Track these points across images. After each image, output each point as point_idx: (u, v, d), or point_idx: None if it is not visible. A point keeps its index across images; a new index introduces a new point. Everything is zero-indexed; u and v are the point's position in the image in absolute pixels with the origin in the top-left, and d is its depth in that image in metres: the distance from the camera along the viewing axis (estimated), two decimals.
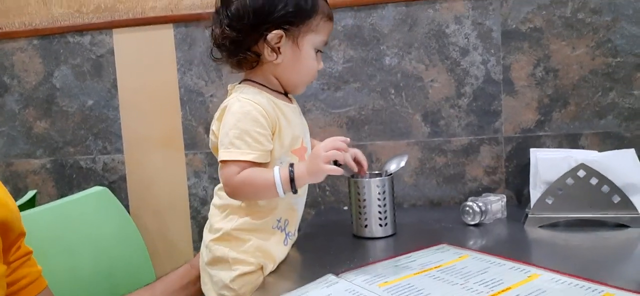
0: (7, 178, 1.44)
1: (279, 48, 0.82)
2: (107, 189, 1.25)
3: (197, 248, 1.40)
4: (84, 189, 1.39)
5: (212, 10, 1.33)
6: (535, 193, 1.02)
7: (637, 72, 1.18)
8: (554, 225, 0.99)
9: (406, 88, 1.27)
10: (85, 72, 1.39)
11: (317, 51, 0.87)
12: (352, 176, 0.99)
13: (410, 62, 1.26)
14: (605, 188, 0.95)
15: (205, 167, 1.37)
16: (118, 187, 1.41)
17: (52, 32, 1.38)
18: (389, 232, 0.99)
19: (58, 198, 1.42)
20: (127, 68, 1.38)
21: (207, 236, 0.88)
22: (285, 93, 0.91)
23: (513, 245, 0.94)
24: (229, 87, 0.91)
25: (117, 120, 1.40)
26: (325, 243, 1.00)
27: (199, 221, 1.39)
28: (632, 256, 0.87)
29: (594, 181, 0.96)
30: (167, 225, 1.41)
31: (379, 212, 0.98)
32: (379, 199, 0.98)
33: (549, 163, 1.01)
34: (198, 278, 0.91)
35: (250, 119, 0.79)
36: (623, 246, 0.89)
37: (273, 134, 0.83)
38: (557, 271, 0.71)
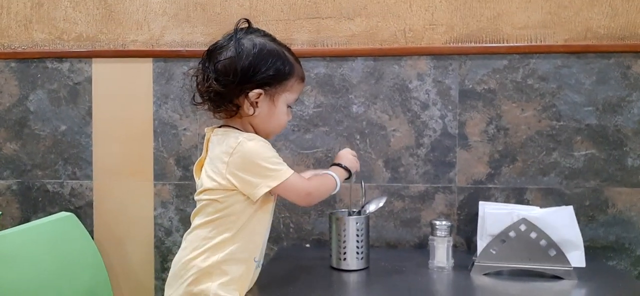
0: None
1: (257, 103, 0.93)
2: (73, 215, 1.27)
3: (159, 278, 1.42)
4: (49, 213, 1.41)
5: (192, 48, 1.41)
6: (481, 244, 1.11)
7: (577, 136, 1.30)
8: (497, 274, 1.07)
9: (370, 136, 1.35)
10: (61, 98, 1.42)
11: (289, 106, 0.99)
12: (331, 213, 1.16)
13: (375, 111, 1.35)
14: (543, 242, 1.05)
15: (172, 198, 1.40)
16: (84, 213, 1.42)
17: (31, 56, 1.41)
18: (364, 265, 1.12)
19: (22, 221, 1.43)
20: (104, 97, 1.42)
21: (185, 271, 0.92)
22: None
23: (460, 291, 1.02)
24: (207, 129, 0.99)
25: (88, 147, 1.42)
26: (300, 273, 1.11)
27: (162, 251, 1.42)
28: None
29: (533, 235, 1.05)
30: (130, 253, 1.43)
31: (357, 247, 1.11)
32: (357, 235, 1.11)
33: (494, 217, 1.10)
34: None
35: (269, 147, 0.94)
36: None
37: None
38: None
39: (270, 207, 0.97)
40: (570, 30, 1.29)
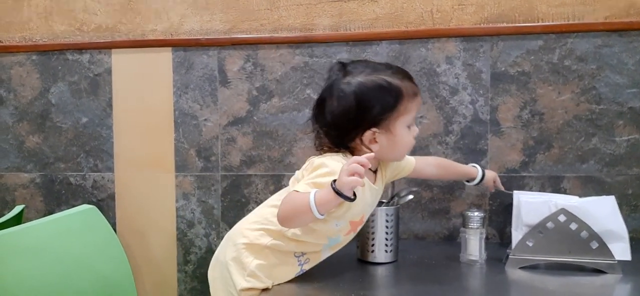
0: None
1: (375, 140, 0.91)
2: (95, 207, 1.26)
3: (181, 271, 1.40)
4: (72, 205, 1.41)
5: (211, 37, 1.38)
6: (516, 235, 1.04)
7: (619, 120, 1.21)
8: (533, 267, 1.01)
9: None
10: (82, 90, 1.41)
11: (411, 125, 0.94)
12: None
13: None
14: (584, 233, 0.98)
15: (194, 190, 1.38)
16: (106, 205, 1.42)
17: (52, 49, 1.40)
18: (392, 259, 1.07)
19: (45, 213, 1.43)
20: (124, 88, 1.40)
21: (239, 236, 0.95)
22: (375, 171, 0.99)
23: (494, 286, 0.96)
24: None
25: (110, 138, 1.41)
26: (329, 266, 1.06)
27: (185, 243, 1.40)
28: None
29: (573, 226, 0.98)
30: (152, 246, 1.41)
31: (386, 239, 1.06)
32: (386, 227, 1.05)
33: (530, 207, 1.04)
34: None
35: (328, 165, 0.88)
36: (599, 292, 0.91)
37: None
38: None
39: (331, 222, 0.91)
40: (611, 7, 1.20)
